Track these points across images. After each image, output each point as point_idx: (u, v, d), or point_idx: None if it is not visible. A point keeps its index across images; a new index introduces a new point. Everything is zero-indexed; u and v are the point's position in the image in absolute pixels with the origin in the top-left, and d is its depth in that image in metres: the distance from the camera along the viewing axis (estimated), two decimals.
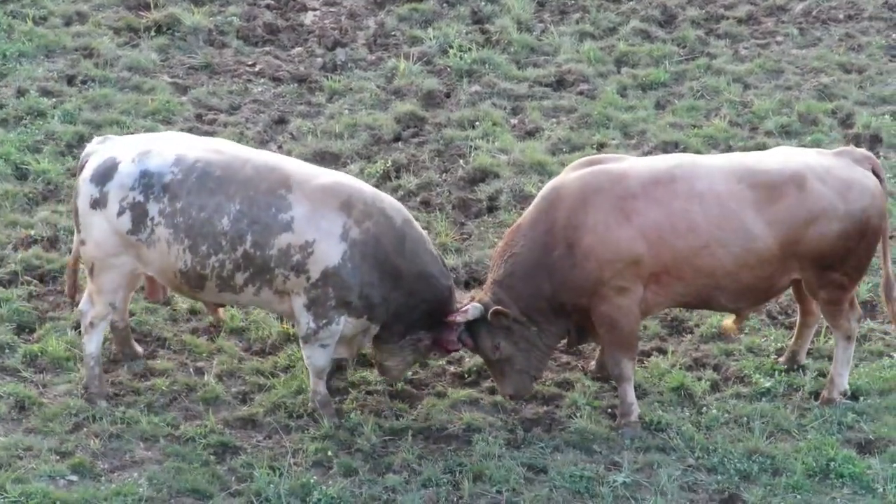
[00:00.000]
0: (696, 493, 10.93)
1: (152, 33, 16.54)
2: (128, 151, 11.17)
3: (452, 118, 15.43)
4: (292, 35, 16.90)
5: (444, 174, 14.59)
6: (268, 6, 17.27)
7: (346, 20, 17.15)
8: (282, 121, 15.39)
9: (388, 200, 11.38)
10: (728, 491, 10.92)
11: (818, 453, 11.16)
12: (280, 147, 14.70)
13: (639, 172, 11.28)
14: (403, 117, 15.42)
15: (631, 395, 11.48)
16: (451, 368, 12.26)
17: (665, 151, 14.53)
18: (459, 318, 11.28)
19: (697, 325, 12.72)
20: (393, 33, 17.00)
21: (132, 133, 14.13)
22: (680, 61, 16.53)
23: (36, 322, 12.30)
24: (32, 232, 13.26)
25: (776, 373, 12.08)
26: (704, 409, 11.70)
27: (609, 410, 11.73)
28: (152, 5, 16.89)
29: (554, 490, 10.88)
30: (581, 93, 16.00)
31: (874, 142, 14.99)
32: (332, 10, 17.42)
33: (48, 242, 13.15)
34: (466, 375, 12.19)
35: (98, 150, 11.31)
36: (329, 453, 11.12)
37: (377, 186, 12.75)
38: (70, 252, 11.95)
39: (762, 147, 14.34)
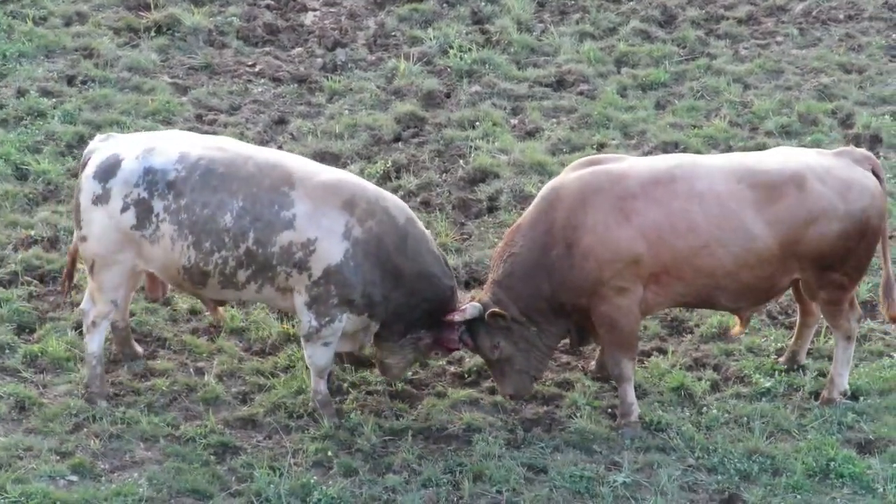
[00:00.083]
0: (696, 493, 10.93)
1: (152, 34, 16.54)
2: (131, 149, 11.19)
3: (452, 118, 15.44)
4: (292, 35, 16.90)
5: (445, 174, 14.60)
6: (268, 6, 17.27)
7: (346, 20, 17.15)
8: (282, 121, 15.39)
9: (392, 199, 11.39)
10: (728, 491, 10.92)
11: (818, 453, 11.16)
12: (280, 147, 14.68)
13: (638, 172, 11.28)
14: (403, 117, 15.43)
15: (631, 395, 11.48)
16: (452, 368, 12.26)
17: (665, 152, 14.53)
18: (457, 318, 11.28)
19: (697, 325, 12.73)
20: (393, 34, 17.00)
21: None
22: (680, 61, 16.53)
23: (36, 322, 12.31)
24: (32, 232, 13.26)
25: (776, 373, 12.08)
26: (704, 409, 11.70)
27: (609, 410, 11.73)
28: (152, 6, 16.89)
29: (554, 490, 10.88)
30: (581, 93, 16.00)
31: (874, 142, 15.00)
32: (332, 10, 17.42)
33: (48, 243, 13.15)
34: (466, 375, 12.19)
35: (101, 148, 11.33)
36: (329, 453, 11.12)
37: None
38: (71, 262, 11.99)
39: (762, 147, 14.34)
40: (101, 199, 11.12)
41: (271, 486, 10.72)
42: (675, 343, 12.57)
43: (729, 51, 16.72)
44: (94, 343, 11.46)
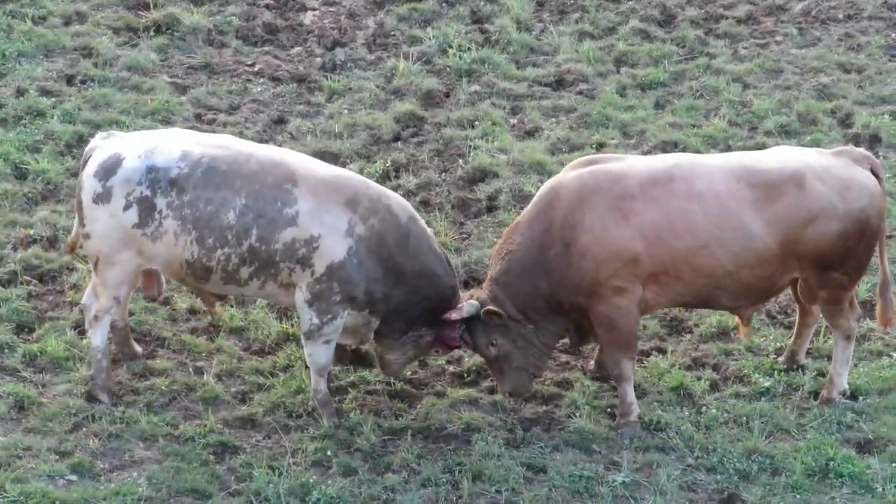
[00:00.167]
0: (695, 493, 10.93)
1: (151, 33, 16.54)
2: (133, 147, 11.20)
3: (452, 118, 15.44)
4: (291, 35, 16.90)
5: (444, 174, 14.60)
6: (267, 6, 17.27)
7: (345, 20, 17.15)
8: (281, 120, 15.39)
9: (394, 197, 11.40)
10: (727, 490, 10.92)
11: (817, 453, 11.16)
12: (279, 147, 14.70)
13: (637, 172, 11.27)
14: (403, 117, 15.43)
15: (630, 394, 11.48)
16: (451, 368, 12.26)
17: (664, 151, 14.54)
18: (454, 316, 11.29)
19: (697, 325, 12.73)
20: (392, 33, 17.00)
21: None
22: (679, 61, 16.53)
23: (35, 322, 12.30)
24: (32, 232, 13.26)
25: (775, 372, 12.08)
26: (704, 408, 11.70)
27: (608, 410, 11.73)
28: (151, 5, 16.88)
29: (553, 490, 10.88)
30: (580, 92, 16.00)
31: (873, 141, 15.00)
32: (331, 9, 17.42)
33: (47, 242, 13.15)
34: (466, 375, 12.19)
35: (102, 146, 11.33)
36: (328, 453, 11.12)
37: None
38: (69, 252, 12.00)
39: (761, 147, 14.35)
40: (102, 198, 11.13)
41: (270, 485, 10.72)
42: (674, 343, 12.57)
43: (728, 50, 16.72)
44: (98, 337, 11.47)
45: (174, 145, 11.17)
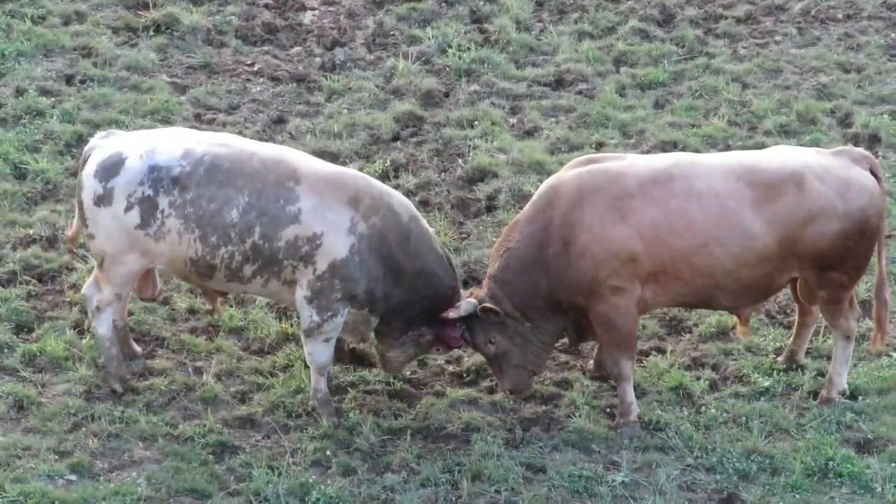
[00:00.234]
0: (694, 493, 10.93)
1: (151, 33, 16.53)
2: (133, 147, 11.20)
3: (451, 118, 15.43)
4: (291, 34, 16.90)
5: (443, 174, 14.59)
6: (266, 6, 17.26)
7: (344, 20, 17.15)
8: (280, 120, 15.39)
9: (396, 196, 11.40)
10: (727, 490, 10.92)
11: (817, 453, 11.15)
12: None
13: (636, 171, 11.27)
14: (402, 117, 15.42)
15: (630, 394, 11.48)
16: (450, 368, 12.26)
17: (664, 151, 14.53)
18: (452, 315, 11.28)
19: (696, 325, 12.72)
20: (392, 33, 17.00)
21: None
22: (679, 61, 16.53)
23: (35, 321, 12.30)
24: (31, 231, 13.26)
25: (775, 372, 12.08)
26: (703, 408, 11.70)
27: (608, 410, 11.72)
28: (151, 5, 16.88)
29: (552, 489, 10.88)
30: (580, 92, 16.00)
31: (873, 141, 15.00)
32: (330, 9, 17.41)
33: (47, 242, 13.15)
34: (465, 375, 12.19)
35: (102, 145, 11.32)
36: (328, 453, 11.12)
37: None
38: (69, 242, 12.01)
39: (761, 146, 14.34)
40: (104, 200, 11.13)
41: (270, 485, 10.72)
42: (673, 342, 12.57)
43: (728, 50, 16.72)
44: (103, 326, 11.48)
45: (175, 144, 11.18)
